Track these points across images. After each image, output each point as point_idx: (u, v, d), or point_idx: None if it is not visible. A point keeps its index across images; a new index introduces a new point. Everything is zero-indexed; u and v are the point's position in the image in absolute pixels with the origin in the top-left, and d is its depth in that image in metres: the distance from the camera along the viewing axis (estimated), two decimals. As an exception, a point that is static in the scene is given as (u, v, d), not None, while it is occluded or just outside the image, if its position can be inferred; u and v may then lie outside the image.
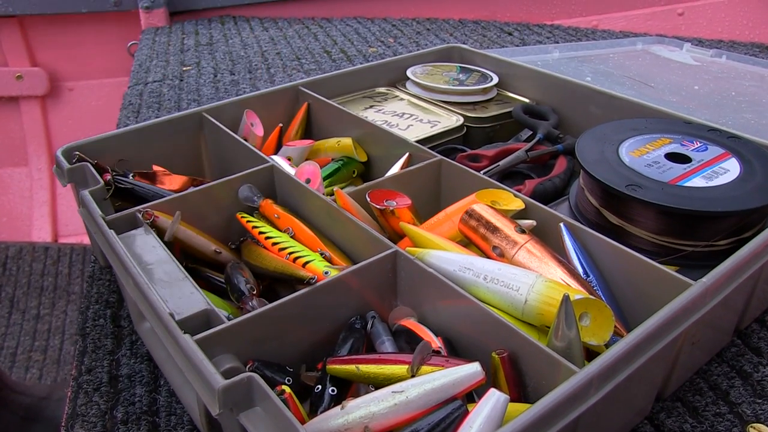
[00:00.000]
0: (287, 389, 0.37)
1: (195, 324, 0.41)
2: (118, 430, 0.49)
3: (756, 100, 0.93)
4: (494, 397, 0.35)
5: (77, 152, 0.61)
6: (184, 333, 0.39)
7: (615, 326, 0.43)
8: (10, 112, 1.75)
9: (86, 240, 1.80)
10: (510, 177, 0.69)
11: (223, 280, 0.54)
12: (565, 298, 0.38)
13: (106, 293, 0.64)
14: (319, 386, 0.41)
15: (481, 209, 0.51)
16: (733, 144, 0.62)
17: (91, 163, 0.60)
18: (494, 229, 0.49)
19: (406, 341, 0.45)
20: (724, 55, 1.14)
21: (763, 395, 0.51)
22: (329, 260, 0.52)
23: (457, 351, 0.45)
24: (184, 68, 1.27)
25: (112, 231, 0.50)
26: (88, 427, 0.50)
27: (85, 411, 0.51)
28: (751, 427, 0.48)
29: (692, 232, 0.54)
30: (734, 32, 1.55)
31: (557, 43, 1.34)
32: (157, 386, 0.53)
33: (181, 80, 1.21)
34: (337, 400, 0.40)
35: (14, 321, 1.53)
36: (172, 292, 0.44)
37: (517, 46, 1.34)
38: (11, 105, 1.74)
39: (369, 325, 0.46)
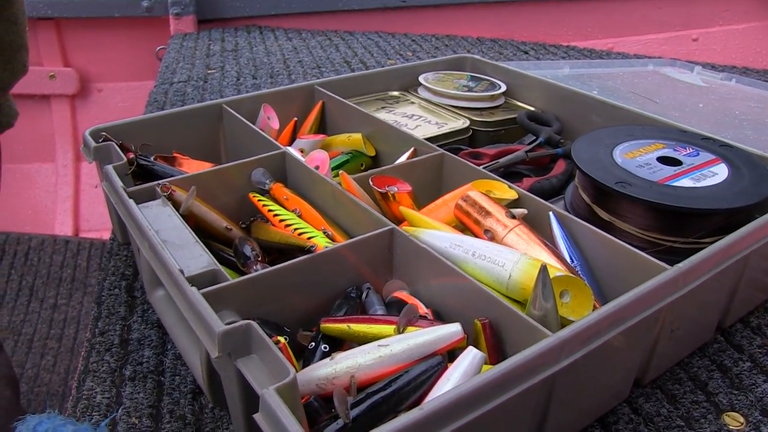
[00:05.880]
0: (282, 339, 0.40)
1: (202, 281, 0.45)
2: (125, 386, 0.53)
3: (759, 119, 0.95)
4: (471, 354, 0.38)
5: (104, 132, 0.66)
6: (192, 286, 0.42)
7: (594, 305, 0.46)
8: (42, 110, 1.82)
9: (105, 235, 1.86)
10: (509, 176, 0.71)
11: (232, 255, 0.57)
12: (543, 269, 0.41)
13: (122, 267, 0.68)
14: (313, 343, 0.44)
15: (476, 196, 0.54)
16: (724, 151, 0.65)
17: (116, 143, 0.65)
18: (486, 214, 0.53)
19: (398, 311, 0.48)
20: (734, 78, 1.16)
21: (741, 387, 0.53)
22: (331, 238, 0.55)
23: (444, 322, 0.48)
24: (209, 71, 1.32)
25: (132, 200, 0.54)
26: (98, 381, 0.53)
27: (96, 368, 0.55)
28: (726, 415, 0.51)
29: (678, 228, 0.56)
30: (747, 59, 1.57)
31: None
32: (164, 350, 0.57)
33: (205, 81, 1.26)
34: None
35: (32, 309, 1.58)
36: (184, 253, 0.48)
37: (531, 63, 1.38)
38: (43, 103, 1.82)
39: (364, 295, 0.49)
